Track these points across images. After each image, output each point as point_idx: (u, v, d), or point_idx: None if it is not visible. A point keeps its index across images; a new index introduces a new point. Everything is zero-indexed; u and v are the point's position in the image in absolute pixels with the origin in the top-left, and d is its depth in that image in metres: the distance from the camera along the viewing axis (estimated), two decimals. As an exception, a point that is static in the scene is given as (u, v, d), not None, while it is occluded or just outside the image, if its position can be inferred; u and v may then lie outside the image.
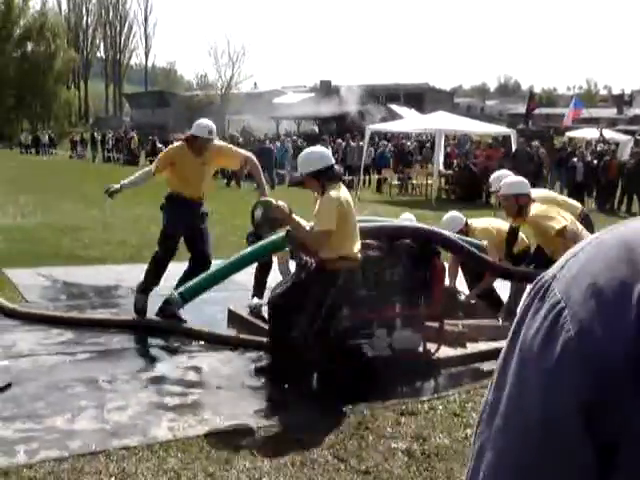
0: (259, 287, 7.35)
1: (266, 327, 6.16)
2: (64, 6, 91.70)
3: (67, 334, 6.67)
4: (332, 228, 5.33)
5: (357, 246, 5.61)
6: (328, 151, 6.09)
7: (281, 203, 5.47)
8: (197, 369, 5.95)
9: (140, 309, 7.16)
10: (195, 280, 5.99)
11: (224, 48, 75.89)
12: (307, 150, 5.95)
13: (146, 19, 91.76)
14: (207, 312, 7.36)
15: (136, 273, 7.79)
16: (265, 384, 5.66)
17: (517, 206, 6.75)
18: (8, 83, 72.05)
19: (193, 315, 6.96)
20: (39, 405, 4.95)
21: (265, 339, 6.09)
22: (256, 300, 7.23)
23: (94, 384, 5.46)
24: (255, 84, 79.71)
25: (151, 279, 7.23)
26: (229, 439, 4.55)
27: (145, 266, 7.37)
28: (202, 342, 6.63)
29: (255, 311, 7.15)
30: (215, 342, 6.62)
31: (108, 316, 7.32)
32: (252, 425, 4.80)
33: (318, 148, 6.24)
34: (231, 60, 73.41)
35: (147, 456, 4.22)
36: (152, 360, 6.33)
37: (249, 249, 6.24)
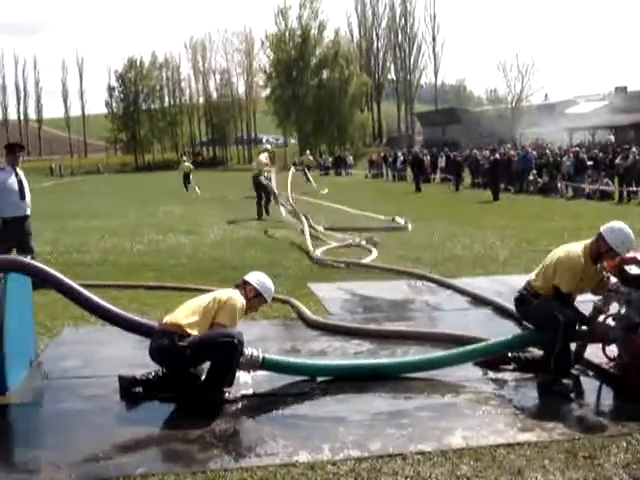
0: None
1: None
2: (355, 33, 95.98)
3: (365, 345, 7.06)
4: None
5: None
6: None
7: None
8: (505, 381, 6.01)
9: None
10: None
11: (513, 62, 74.86)
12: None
13: (434, 39, 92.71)
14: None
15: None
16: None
17: None
18: (307, 109, 77.12)
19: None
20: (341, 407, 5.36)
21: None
22: None
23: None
24: (546, 95, 77.16)
25: None
26: (521, 451, 4.57)
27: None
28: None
29: None
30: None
31: (404, 328, 7.56)
32: (545, 438, 4.78)
33: None
34: (520, 73, 72.29)
35: (441, 462, 4.40)
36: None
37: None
